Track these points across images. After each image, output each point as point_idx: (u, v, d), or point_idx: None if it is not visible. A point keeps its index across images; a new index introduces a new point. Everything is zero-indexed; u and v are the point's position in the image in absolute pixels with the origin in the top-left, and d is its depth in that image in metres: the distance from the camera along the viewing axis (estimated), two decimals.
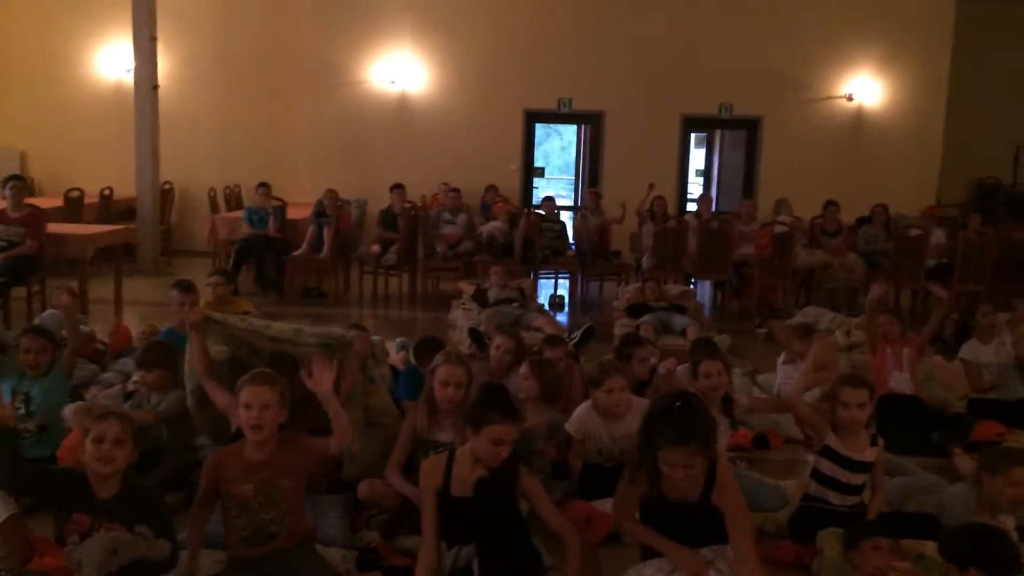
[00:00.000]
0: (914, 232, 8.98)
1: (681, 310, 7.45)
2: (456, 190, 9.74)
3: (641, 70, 11.71)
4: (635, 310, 7.45)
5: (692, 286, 9.03)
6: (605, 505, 3.64)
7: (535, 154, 12.98)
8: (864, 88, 11.80)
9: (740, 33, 11.64)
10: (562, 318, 8.58)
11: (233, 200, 11.33)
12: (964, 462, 4.36)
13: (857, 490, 3.60)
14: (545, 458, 3.95)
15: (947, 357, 6.36)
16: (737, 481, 3.09)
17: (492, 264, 8.29)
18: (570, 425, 3.94)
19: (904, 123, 11.91)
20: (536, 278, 9.27)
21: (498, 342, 4.83)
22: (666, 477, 2.87)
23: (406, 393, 4.75)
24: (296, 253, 9.08)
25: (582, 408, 3.95)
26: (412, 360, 5.28)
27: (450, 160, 11.52)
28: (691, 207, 12.95)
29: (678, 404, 2.88)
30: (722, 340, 6.58)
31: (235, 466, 3.11)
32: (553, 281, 9.91)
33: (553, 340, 5.07)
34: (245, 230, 9.31)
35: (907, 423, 5.06)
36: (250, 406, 3.06)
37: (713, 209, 12.36)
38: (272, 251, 9.21)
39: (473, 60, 11.72)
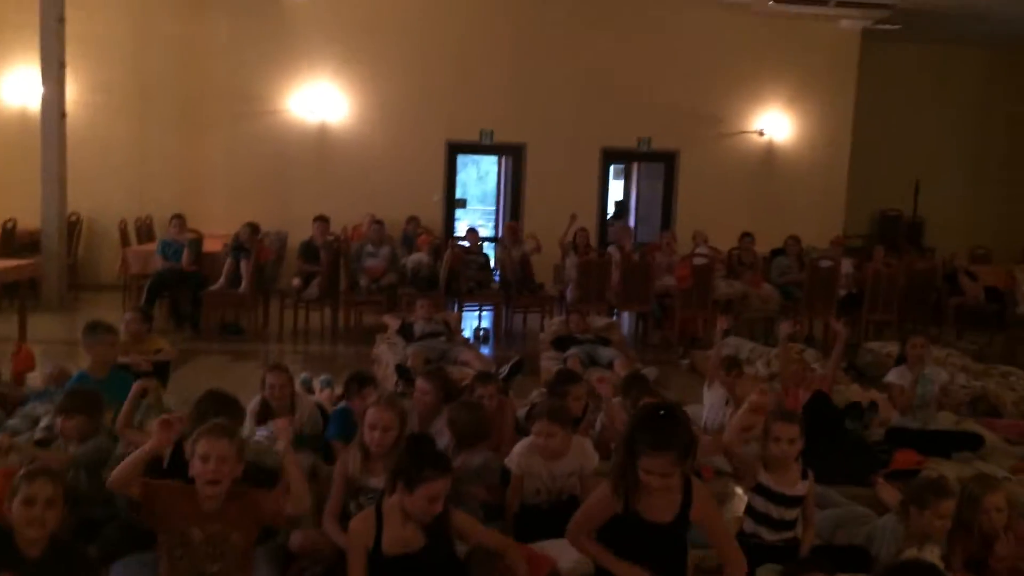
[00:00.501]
0: (825, 263, 9.29)
1: (606, 342, 7.52)
2: (379, 222, 9.65)
3: (563, 104, 11.87)
4: (561, 343, 7.47)
5: (615, 317, 9.11)
6: (543, 547, 3.60)
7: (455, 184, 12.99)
8: (775, 123, 12.22)
9: (659, 70, 11.93)
10: (487, 351, 8.55)
11: (145, 232, 10.95)
12: (887, 492, 4.48)
13: (790, 525, 3.66)
14: (476, 500, 3.91)
15: (863, 386, 6.56)
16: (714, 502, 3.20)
17: (417, 297, 8.24)
18: (510, 461, 3.88)
19: (812, 157, 12.37)
20: (461, 311, 9.23)
21: (419, 385, 4.75)
22: (643, 487, 2.89)
23: (337, 433, 4.63)
24: (213, 287, 8.81)
25: (523, 445, 3.90)
26: (340, 396, 5.17)
27: (371, 191, 11.42)
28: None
29: (662, 412, 2.92)
30: (649, 372, 6.67)
31: (187, 507, 2.98)
32: (477, 314, 9.88)
33: (484, 377, 5.02)
34: (158, 263, 9.01)
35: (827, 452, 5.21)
36: (207, 459, 2.93)
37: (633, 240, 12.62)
38: (187, 285, 8.92)
39: (395, 91, 11.68)
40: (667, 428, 2.86)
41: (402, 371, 6.30)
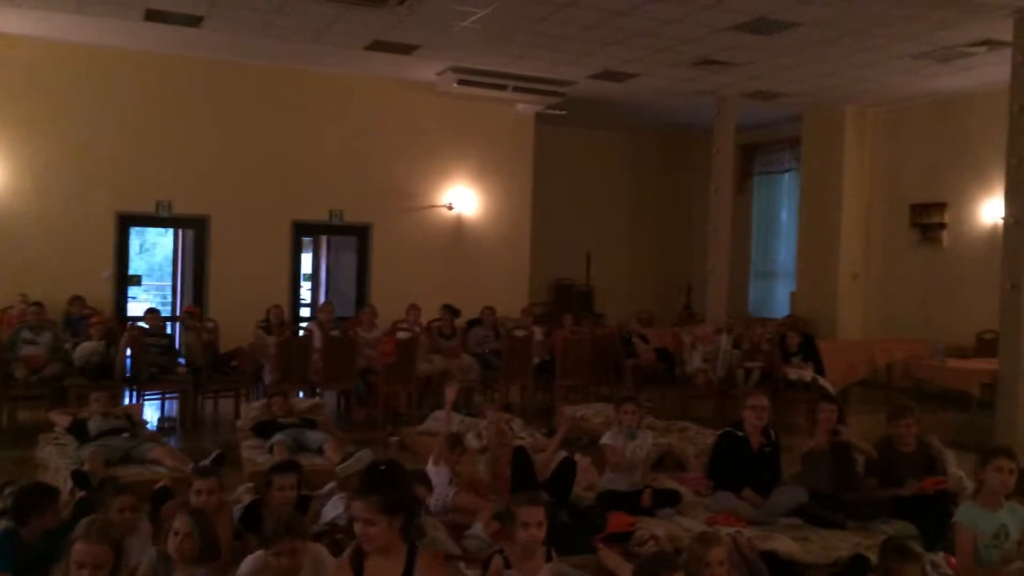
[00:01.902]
0: (520, 332, 9.66)
1: (313, 424, 7.13)
2: (38, 303, 8.45)
3: (249, 175, 11.34)
4: (263, 429, 6.96)
5: (319, 398, 8.72)
6: None
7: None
8: (462, 198, 12.64)
9: (349, 144, 11.86)
10: (175, 444, 7.73)
11: None
12: (611, 558, 4.61)
13: None
14: None
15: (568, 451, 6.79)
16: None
17: (88, 389, 7.28)
18: None
19: (498, 231, 12.95)
20: (141, 402, 8.30)
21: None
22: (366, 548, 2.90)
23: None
24: None
25: (251, 561, 3.46)
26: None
27: (27, 270, 10.00)
28: (304, 312, 12.73)
29: (381, 467, 3.03)
30: (363, 455, 6.38)
31: None
32: (160, 403, 8.96)
33: (202, 471, 4.47)
34: None
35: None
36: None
37: None
38: None
39: (55, 159, 10.43)
40: (376, 475, 2.95)
41: (79, 477, 5.44)
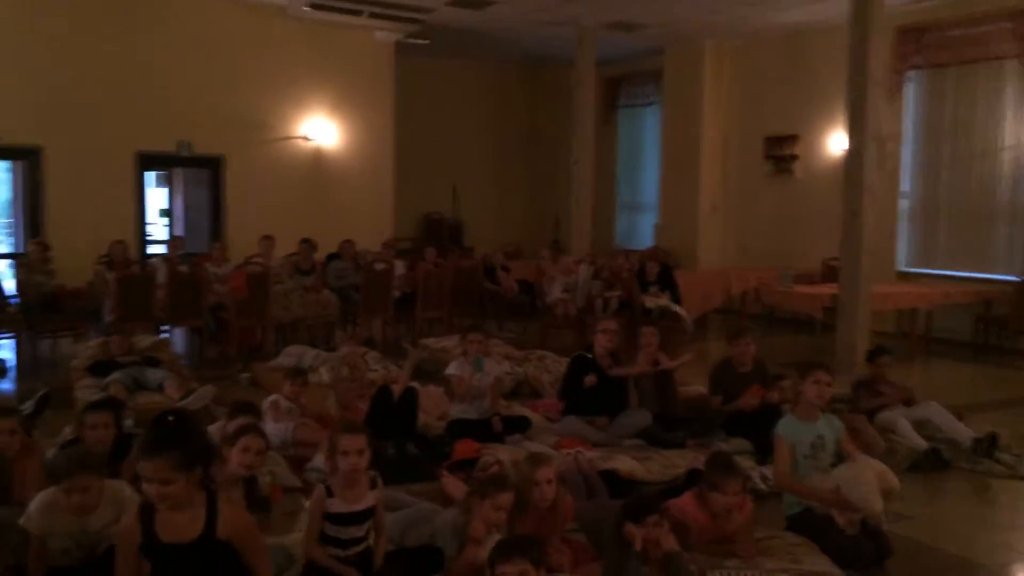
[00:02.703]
0: (380, 266, 9.47)
1: (155, 362, 6.81)
2: None
3: (85, 103, 10.53)
4: (100, 368, 6.60)
5: (166, 335, 8.34)
6: None
7: None
8: (321, 129, 12.20)
9: (196, 72, 11.19)
10: (8, 385, 7.27)
11: None
12: (452, 484, 4.60)
13: (360, 541, 3.51)
14: None
15: (422, 383, 6.74)
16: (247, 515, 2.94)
17: None
18: (27, 520, 3.21)
19: (360, 163, 12.59)
20: None
21: None
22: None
23: None
24: None
25: (42, 498, 3.24)
26: None
27: None
28: (155, 249, 12.11)
29: (169, 417, 2.78)
30: (204, 392, 6.16)
31: None
32: None
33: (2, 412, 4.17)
34: None
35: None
36: None
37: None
38: None
39: None
40: (165, 432, 2.70)
41: None
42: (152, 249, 11.97)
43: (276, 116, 11.93)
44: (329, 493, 3.47)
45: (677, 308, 9.39)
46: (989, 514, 5.00)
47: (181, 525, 2.70)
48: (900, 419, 6.00)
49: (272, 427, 5.49)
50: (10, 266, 8.93)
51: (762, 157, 12.89)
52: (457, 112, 15.24)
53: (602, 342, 5.92)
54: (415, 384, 6.04)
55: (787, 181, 12.58)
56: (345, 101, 12.38)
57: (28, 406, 5.49)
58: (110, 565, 3.34)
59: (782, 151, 12.60)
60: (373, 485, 3.57)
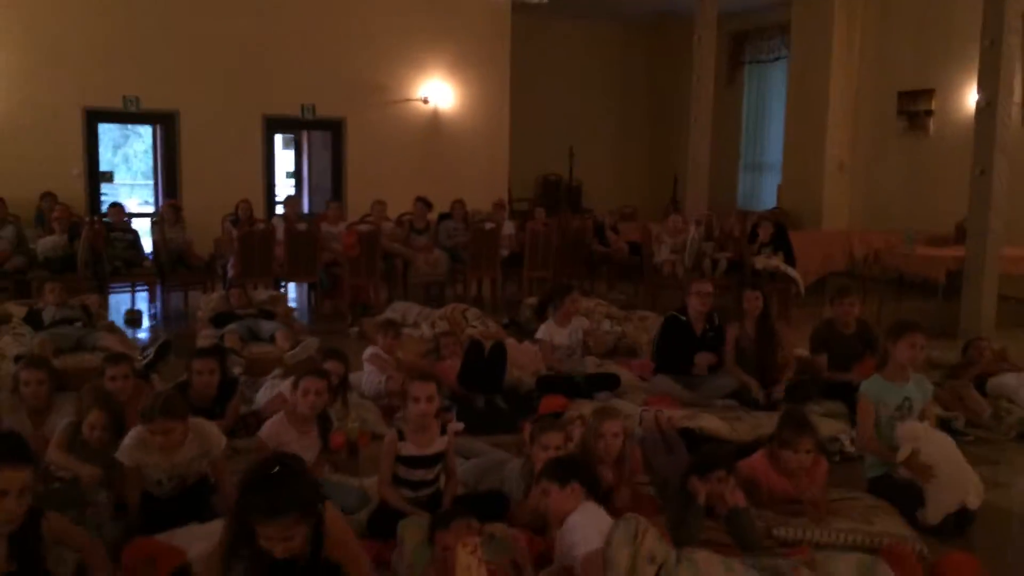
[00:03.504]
0: (488, 225, 9.60)
1: (269, 315, 7.19)
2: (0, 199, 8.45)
3: (218, 69, 11.12)
4: (220, 319, 7.02)
5: (283, 290, 8.77)
6: (170, 537, 3.30)
7: (107, 157, 11.75)
8: (438, 91, 12.40)
9: (320, 36, 11.58)
10: (142, 335, 7.84)
11: None
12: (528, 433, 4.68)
13: (430, 484, 3.66)
14: (101, 507, 3.52)
15: (520, 339, 6.84)
16: (348, 529, 2.94)
17: (48, 281, 7.32)
18: (121, 454, 3.51)
19: (475, 125, 12.73)
20: (107, 293, 8.37)
21: (23, 376, 4.26)
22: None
23: None
24: None
25: (134, 435, 3.53)
26: None
27: None
28: (280, 210, 12.68)
29: (276, 469, 2.54)
30: (310, 343, 6.47)
31: None
32: (130, 295, 9.05)
33: (114, 358, 4.55)
34: None
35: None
36: None
37: (306, 211, 12.25)
38: None
39: (18, 53, 10.26)
40: (282, 488, 2.48)
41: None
42: (279, 209, 12.55)
43: (395, 79, 12.21)
44: (401, 437, 3.63)
45: (790, 271, 9.10)
46: None
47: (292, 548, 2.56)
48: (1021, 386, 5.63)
49: (369, 377, 5.75)
50: (148, 225, 9.57)
51: (895, 113, 12.21)
52: (575, 72, 15.14)
53: (695, 304, 5.82)
54: (507, 340, 6.16)
55: (921, 139, 11.89)
56: (462, 62, 12.52)
57: (149, 353, 5.91)
58: (201, 495, 3.64)
59: (916, 106, 11.89)
60: (444, 431, 3.69)
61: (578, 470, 3.12)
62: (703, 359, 5.71)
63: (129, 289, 9.02)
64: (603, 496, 3.79)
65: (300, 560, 2.53)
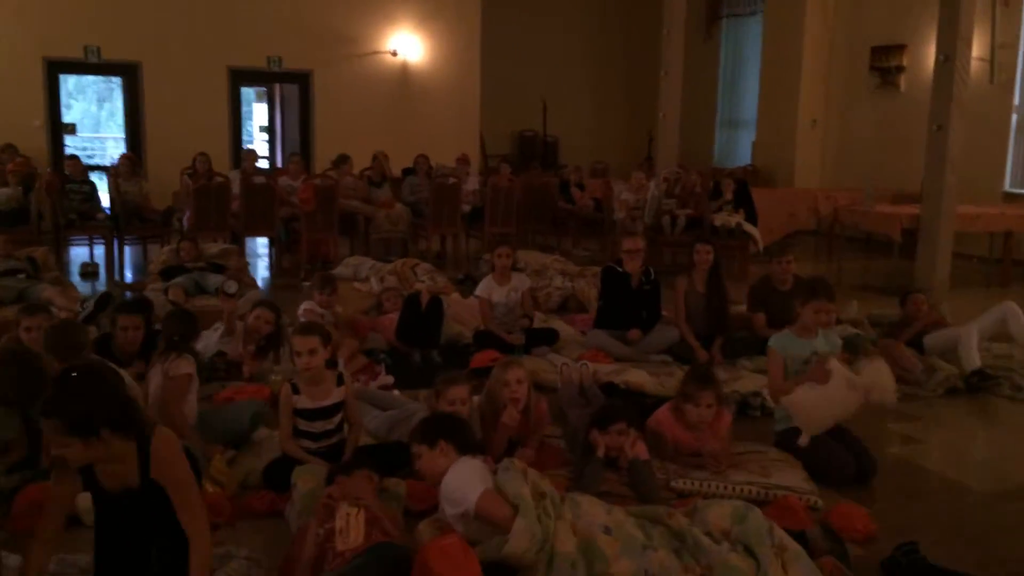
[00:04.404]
0: (450, 180, 9.56)
1: (220, 269, 7.19)
2: None
3: (182, 19, 10.99)
4: (169, 272, 7.02)
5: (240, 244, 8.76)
6: None
7: (91, 110, 11.64)
8: (407, 44, 12.26)
9: None
10: (97, 287, 7.84)
11: None
12: None
13: (331, 433, 3.69)
14: None
15: (464, 294, 6.87)
16: (179, 453, 2.66)
17: (4, 234, 7.31)
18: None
19: (446, 78, 12.61)
20: (61, 246, 8.36)
21: None
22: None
23: None
24: None
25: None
26: None
27: None
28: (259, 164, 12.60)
29: (72, 375, 2.47)
30: (252, 295, 6.49)
31: None
32: (88, 249, 9.04)
33: (29, 309, 4.56)
34: None
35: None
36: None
37: (280, 165, 12.18)
38: None
39: None
40: (60, 392, 2.43)
41: None
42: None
43: (364, 31, 12.07)
44: (296, 391, 3.66)
45: (749, 227, 9.09)
46: (1007, 443, 4.74)
47: (114, 475, 2.58)
48: (969, 337, 5.62)
49: None
50: (102, 177, 9.52)
51: (867, 69, 12.11)
52: (549, 25, 14.92)
53: (626, 261, 5.85)
54: (443, 295, 6.17)
55: (892, 95, 11.81)
56: (432, 14, 12.36)
57: (88, 307, 5.91)
58: None
59: (888, 62, 11.80)
60: (340, 382, 3.72)
61: (445, 428, 3.12)
62: (634, 335, 5.75)
63: (88, 242, 9.00)
64: (509, 446, 3.86)
65: (134, 484, 2.53)
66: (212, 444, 3.75)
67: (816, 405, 3.87)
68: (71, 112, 15.09)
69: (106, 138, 16.90)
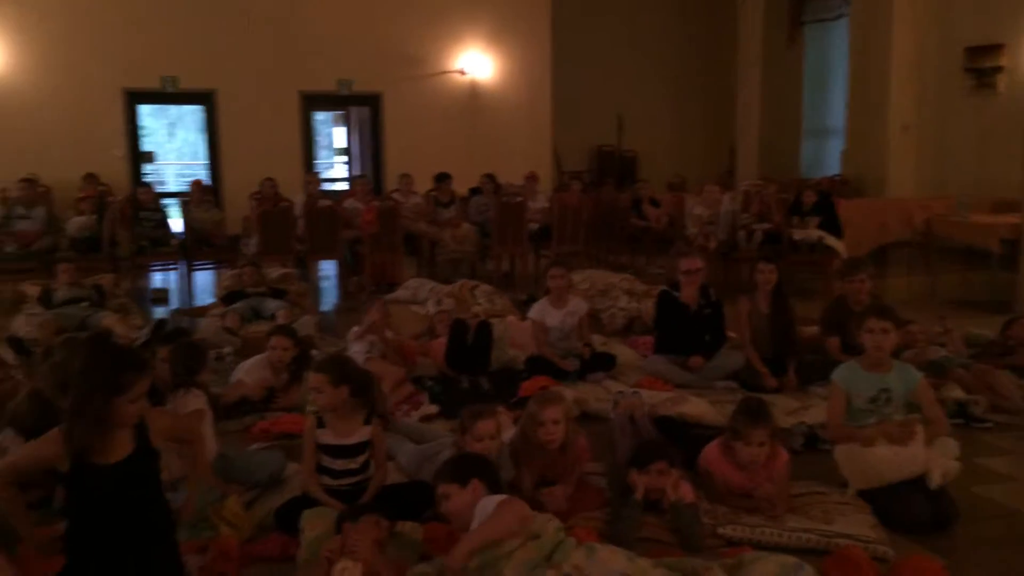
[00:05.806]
0: (516, 199, 9.34)
1: (280, 294, 7.16)
2: (30, 180, 8.66)
3: (254, 47, 11.14)
4: (231, 297, 7.04)
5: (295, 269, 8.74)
6: None
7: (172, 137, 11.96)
8: (476, 63, 12.15)
9: (355, 9, 11.48)
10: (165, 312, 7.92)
11: None
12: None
13: (355, 472, 3.48)
14: None
15: (521, 317, 6.62)
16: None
17: (79, 263, 7.48)
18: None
19: (516, 96, 12.44)
20: (139, 272, 8.51)
21: None
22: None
23: None
24: None
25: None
26: None
27: (37, 148, 10.23)
28: (339, 186, 12.71)
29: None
30: (306, 321, 6.41)
31: None
32: (161, 275, 9.19)
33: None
34: None
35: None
36: None
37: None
38: None
39: (61, 36, 10.47)
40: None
41: (16, 343, 5.63)
42: (328, 187, 12.56)
43: (432, 51, 12.02)
44: (321, 424, 3.48)
45: (831, 240, 8.56)
46: None
47: (115, 445, 2.62)
48: None
49: (354, 356, 5.62)
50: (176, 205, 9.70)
51: (961, 71, 11.36)
52: (625, 39, 14.59)
53: (683, 282, 5.52)
54: (508, 319, 5.95)
55: (990, 97, 11.04)
56: (500, 31, 12.22)
57: (144, 334, 5.92)
58: None
59: (984, 63, 11.04)
60: (368, 420, 3.52)
61: (478, 467, 2.91)
62: (695, 363, 5.40)
63: (160, 269, 9.15)
64: (545, 485, 3.59)
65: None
66: (231, 483, 3.59)
67: (873, 465, 3.47)
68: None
69: (175, 164, 17.47)
